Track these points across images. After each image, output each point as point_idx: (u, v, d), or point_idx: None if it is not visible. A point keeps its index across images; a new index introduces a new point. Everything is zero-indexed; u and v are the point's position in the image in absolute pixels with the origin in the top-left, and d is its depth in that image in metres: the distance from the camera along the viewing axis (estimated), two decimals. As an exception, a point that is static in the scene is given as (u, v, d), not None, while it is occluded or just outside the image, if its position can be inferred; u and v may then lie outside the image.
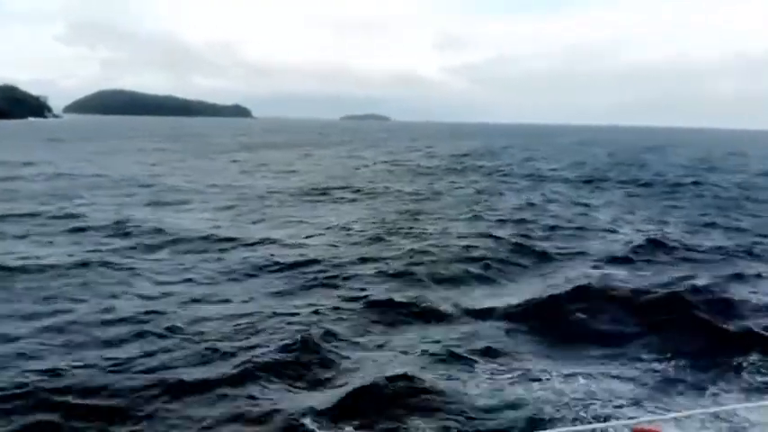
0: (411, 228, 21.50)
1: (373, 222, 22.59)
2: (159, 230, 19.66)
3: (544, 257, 17.28)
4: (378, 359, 10.12)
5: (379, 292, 13.61)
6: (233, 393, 8.69)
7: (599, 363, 9.98)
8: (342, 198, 29.56)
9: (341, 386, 8.98)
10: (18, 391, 8.31)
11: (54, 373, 8.93)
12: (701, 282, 14.07)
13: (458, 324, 11.75)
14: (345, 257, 16.67)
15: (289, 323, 11.36)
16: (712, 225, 23.17)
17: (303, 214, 24.58)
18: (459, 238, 19.51)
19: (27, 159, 44.90)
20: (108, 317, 11.42)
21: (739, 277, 15.08)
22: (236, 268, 15.49)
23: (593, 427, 6.59)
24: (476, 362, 9.86)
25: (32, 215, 22.20)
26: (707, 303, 12.44)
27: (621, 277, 14.90)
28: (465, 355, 10.10)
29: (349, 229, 21.03)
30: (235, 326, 11.27)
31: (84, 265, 15.09)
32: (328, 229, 21.21)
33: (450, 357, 9.97)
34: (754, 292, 13.77)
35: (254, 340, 10.56)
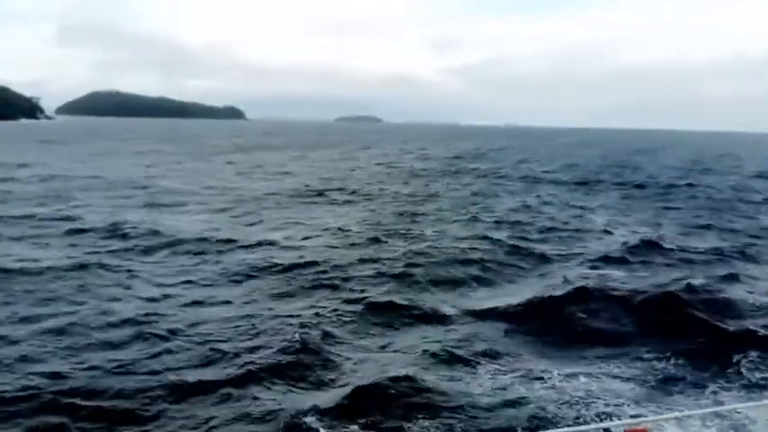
0: (408, 229, 21.60)
1: (370, 224, 22.66)
2: (156, 232, 19.65)
3: (541, 259, 17.40)
4: (379, 360, 10.19)
5: (378, 293, 13.67)
6: (237, 394, 8.73)
7: (599, 362, 10.09)
8: (338, 200, 29.62)
9: (343, 386, 9.04)
10: (23, 393, 8.33)
11: (58, 375, 8.94)
12: (697, 282, 14.21)
13: (458, 325, 11.83)
14: (344, 259, 16.73)
15: (289, 324, 11.41)
16: (707, 227, 23.39)
17: (300, 216, 24.61)
18: (456, 240, 19.61)
19: (20, 161, 44.71)
20: (109, 319, 11.43)
21: (734, 278, 15.26)
22: (235, 270, 15.51)
23: (588, 428, 6.66)
24: (477, 362, 9.95)
25: (28, 217, 22.15)
26: (704, 303, 12.60)
27: (619, 278, 15.05)
28: (466, 355, 10.19)
29: (346, 231, 21.08)
30: (236, 327, 11.31)
31: (83, 267, 15.06)
32: (325, 230, 21.25)
33: (452, 358, 10.05)
34: (750, 292, 13.96)
35: (255, 342, 10.61)
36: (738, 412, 7.00)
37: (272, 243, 18.74)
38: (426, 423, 7.99)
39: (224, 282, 14.61)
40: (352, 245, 18.95)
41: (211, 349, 10.21)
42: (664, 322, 11.59)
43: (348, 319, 12.10)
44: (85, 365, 9.36)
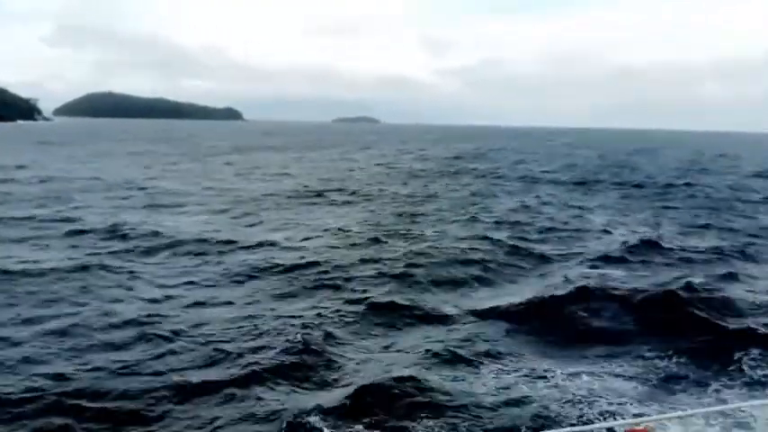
0: (408, 230, 21.63)
1: (370, 224, 22.70)
2: (156, 233, 19.67)
3: (541, 259, 17.45)
4: (382, 360, 10.22)
5: (380, 293, 13.70)
6: (241, 394, 8.77)
7: (601, 361, 10.14)
8: (337, 201, 29.65)
9: (347, 386, 9.06)
10: (27, 394, 8.35)
11: (62, 376, 8.96)
12: (697, 281, 14.28)
13: (460, 325, 11.87)
14: (345, 259, 16.76)
15: (292, 325, 11.43)
16: (705, 226, 23.45)
17: (300, 217, 24.64)
18: (456, 240, 19.65)
19: (19, 162, 44.65)
20: (111, 320, 11.44)
21: (734, 277, 15.33)
22: (236, 271, 15.54)
23: (593, 428, 6.70)
24: (480, 362, 9.99)
25: (28, 218, 22.15)
26: (704, 302, 12.64)
27: (619, 277, 15.10)
28: (469, 355, 10.23)
29: (346, 232, 21.11)
30: (239, 328, 11.34)
31: (84, 268, 15.07)
32: (326, 231, 21.28)
33: (454, 358, 10.09)
34: (750, 291, 14.03)
35: (258, 342, 10.63)
36: (743, 411, 7.03)
37: (272, 244, 18.77)
38: (430, 422, 8.02)
39: (226, 282, 14.64)
40: (353, 245, 18.98)
41: (215, 350, 10.24)
42: (665, 321, 11.64)
43: (350, 319, 12.14)
44: (89, 366, 9.38)
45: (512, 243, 19.04)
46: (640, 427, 4.82)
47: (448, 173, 46.25)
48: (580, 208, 27.89)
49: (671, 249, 18.50)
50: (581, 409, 8.24)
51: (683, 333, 11.10)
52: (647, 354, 10.35)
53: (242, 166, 48.88)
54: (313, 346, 10.39)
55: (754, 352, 10.08)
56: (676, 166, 57.13)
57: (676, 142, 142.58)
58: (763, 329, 10.95)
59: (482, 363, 10.00)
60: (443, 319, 12.23)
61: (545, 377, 9.32)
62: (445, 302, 13.40)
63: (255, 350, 10.27)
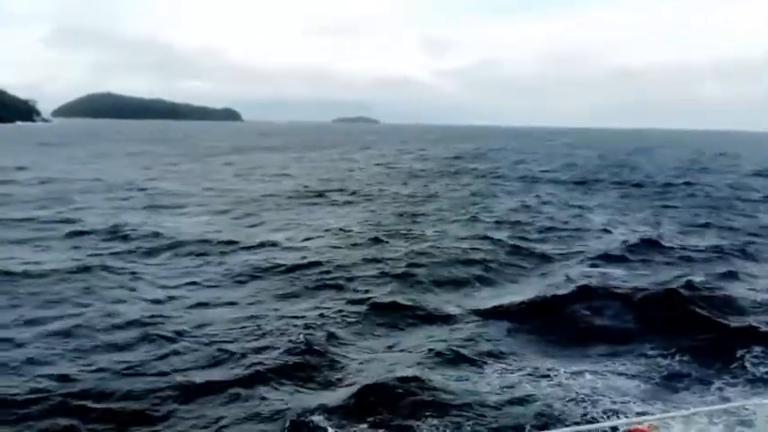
0: (409, 230, 21.67)
1: (371, 225, 22.73)
2: (157, 234, 19.69)
3: (542, 258, 17.50)
4: (385, 360, 10.25)
5: (382, 293, 13.74)
6: (245, 394, 8.80)
7: (604, 359, 10.18)
8: (338, 201, 29.68)
9: (351, 386, 9.09)
10: (32, 396, 8.37)
11: (66, 377, 8.98)
12: (698, 280, 14.32)
13: (462, 324, 11.90)
14: (346, 259, 16.79)
15: (295, 325, 11.46)
16: (705, 225, 23.51)
17: (300, 217, 24.68)
18: (457, 240, 19.68)
19: (19, 164, 44.61)
20: (115, 321, 11.47)
21: (734, 275, 15.40)
22: (238, 271, 15.56)
23: (598, 426, 6.71)
24: (483, 361, 10.03)
25: (29, 220, 22.16)
26: (705, 300, 12.70)
27: (620, 276, 15.15)
28: (472, 354, 10.27)
29: (347, 232, 21.14)
30: (242, 328, 11.37)
31: (86, 269, 15.09)
32: (327, 231, 21.31)
33: (458, 357, 10.12)
34: (751, 289, 14.10)
35: (262, 342, 10.66)
36: (746, 408, 7.06)
37: (274, 244, 18.80)
38: (435, 421, 8.05)
39: (228, 283, 14.66)
40: (354, 245, 19.01)
41: (218, 350, 10.27)
42: (666, 319, 11.68)
43: (353, 319, 12.17)
44: (94, 367, 9.41)
45: (512, 243, 19.09)
46: (644, 426, 4.84)
47: (448, 173, 46.29)
48: (580, 207, 27.95)
49: (671, 248, 18.55)
50: (585, 407, 8.28)
51: (684, 331, 11.15)
52: (650, 352, 10.39)
53: (241, 167, 48.90)
54: (316, 347, 10.42)
55: (757, 349, 10.13)
56: (676, 165, 57.19)
57: (676, 141, 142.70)
58: (764, 327, 11.01)
59: (485, 362, 10.03)
60: (446, 319, 12.27)
61: (548, 376, 9.35)
62: (447, 302, 13.44)
63: (259, 350, 10.30)
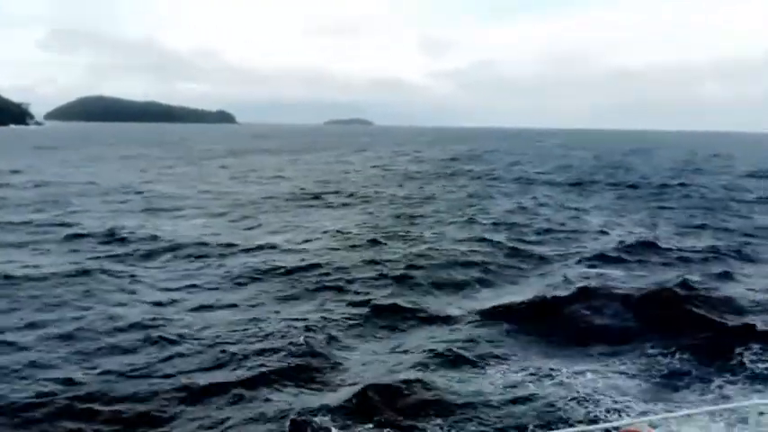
0: (407, 232, 21.73)
1: (369, 226, 22.79)
2: (155, 237, 19.71)
3: (541, 260, 17.61)
4: (387, 361, 10.32)
5: (382, 295, 13.81)
6: (248, 395, 8.85)
7: (605, 359, 10.28)
8: (334, 203, 29.73)
9: (353, 386, 9.15)
10: (38, 399, 8.40)
11: (71, 381, 9.02)
12: (694, 280, 14.48)
13: (463, 326, 11.98)
14: (345, 261, 16.85)
15: (296, 327, 11.50)
16: (701, 226, 23.70)
17: (298, 219, 24.72)
18: (455, 242, 19.77)
19: (14, 167, 44.46)
20: (116, 324, 11.49)
21: (731, 276, 15.57)
22: (238, 273, 15.60)
23: (603, 426, 6.78)
24: (485, 361, 10.11)
25: (26, 223, 22.11)
26: (703, 300, 12.83)
27: (617, 277, 15.27)
28: (473, 355, 10.34)
29: (346, 234, 21.19)
30: (243, 330, 11.41)
31: (86, 272, 15.10)
32: (325, 233, 21.35)
33: (459, 358, 10.19)
34: (747, 289, 14.27)
35: (264, 344, 10.71)
36: (747, 407, 7.13)
37: (272, 246, 18.84)
38: (439, 421, 8.12)
39: (228, 285, 14.70)
40: (353, 247, 19.07)
41: (221, 352, 10.32)
42: (665, 319, 11.78)
43: (354, 321, 12.24)
44: (98, 370, 9.44)
45: (511, 245, 19.20)
46: (645, 425, 4.90)
47: (444, 174, 46.41)
48: (576, 209, 28.09)
49: (668, 249, 18.70)
50: (587, 407, 8.36)
51: (683, 330, 11.25)
52: (650, 351, 10.49)
53: (237, 170, 48.89)
54: (318, 349, 10.51)
55: (755, 347, 10.26)
56: (671, 166, 57.51)
57: (671, 143, 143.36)
58: (761, 325, 11.13)
59: (487, 362, 10.11)
60: (446, 321, 12.35)
61: (550, 376, 9.44)
62: (447, 304, 13.52)
63: (261, 352, 10.35)
